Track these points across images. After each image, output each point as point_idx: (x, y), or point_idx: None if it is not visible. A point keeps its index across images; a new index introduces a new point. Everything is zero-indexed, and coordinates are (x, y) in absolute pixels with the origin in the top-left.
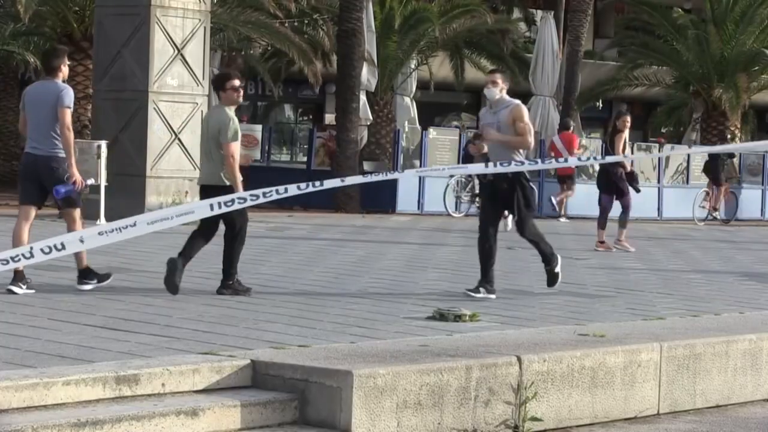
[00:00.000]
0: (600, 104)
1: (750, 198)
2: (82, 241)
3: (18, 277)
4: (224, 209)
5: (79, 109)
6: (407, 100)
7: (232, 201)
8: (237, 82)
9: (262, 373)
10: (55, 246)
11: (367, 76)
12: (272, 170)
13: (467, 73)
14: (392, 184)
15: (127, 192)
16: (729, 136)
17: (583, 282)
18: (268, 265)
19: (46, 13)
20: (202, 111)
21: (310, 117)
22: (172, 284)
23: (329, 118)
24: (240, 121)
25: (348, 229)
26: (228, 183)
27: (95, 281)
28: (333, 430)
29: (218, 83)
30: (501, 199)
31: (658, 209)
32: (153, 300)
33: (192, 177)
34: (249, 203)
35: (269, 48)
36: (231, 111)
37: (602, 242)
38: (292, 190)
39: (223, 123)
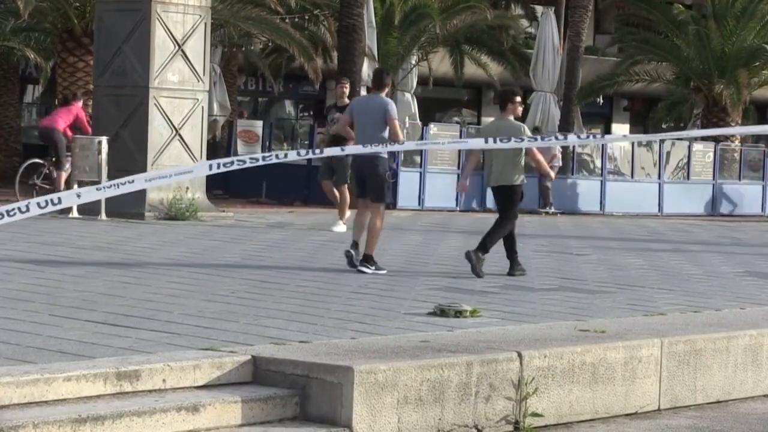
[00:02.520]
0: (601, 100)
1: (751, 194)
2: (78, 196)
3: (367, 258)
4: (222, 169)
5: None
6: (408, 95)
7: (232, 162)
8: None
9: (263, 369)
10: (51, 200)
11: (368, 72)
12: (272, 166)
13: (467, 69)
14: (393, 181)
15: None
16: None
17: (584, 278)
18: (268, 261)
19: (46, 9)
20: (202, 107)
21: (311, 113)
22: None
23: None
24: (240, 116)
25: (349, 225)
26: (517, 183)
27: (373, 268)
28: (334, 426)
29: (504, 98)
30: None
31: (659, 205)
32: (154, 296)
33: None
34: (248, 164)
35: (270, 44)
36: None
37: None
38: (292, 155)
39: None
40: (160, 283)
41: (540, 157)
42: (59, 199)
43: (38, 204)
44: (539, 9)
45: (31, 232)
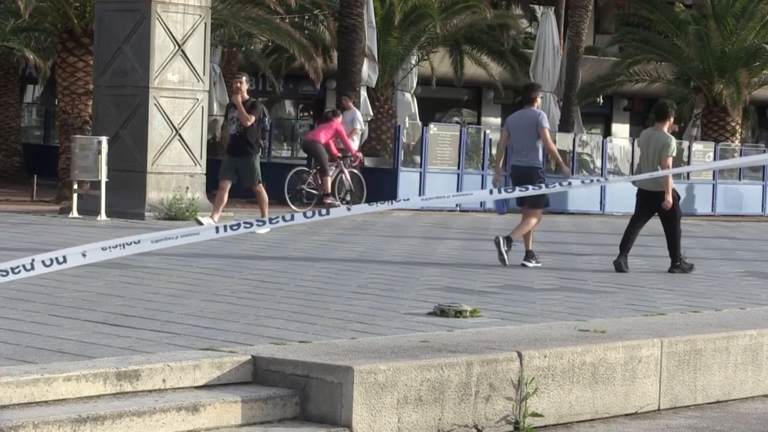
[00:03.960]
0: (600, 100)
1: (751, 194)
2: (84, 255)
3: (530, 254)
4: (229, 232)
5: (80, 105)
6: (408, 95)
7: (239, 225)
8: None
9: (263, 369)
10: (56, 259)
11: (368, 71)
12: (273, 166)
13: (467, 68)
14: (393, 180)
15: (128, 187)
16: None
17: (584, 278)
18: (268, 261)
19: (46, 9)
20: (202, 107)
21: (311, 113)
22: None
23: None
24: None
25: (348, 225)
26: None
27: (534, 262)
28: (334, 425)
29: (663, 112)
30: None
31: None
32: (154, 296)
33: (192, 173)
34: (255, 228)
35: (270, 44)
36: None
37: None
38: (298, 217)
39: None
40: (160, 283)
41: None
42: (64, 258)
43: (43, 262)
44: (539, 9)
45: (31, 232)
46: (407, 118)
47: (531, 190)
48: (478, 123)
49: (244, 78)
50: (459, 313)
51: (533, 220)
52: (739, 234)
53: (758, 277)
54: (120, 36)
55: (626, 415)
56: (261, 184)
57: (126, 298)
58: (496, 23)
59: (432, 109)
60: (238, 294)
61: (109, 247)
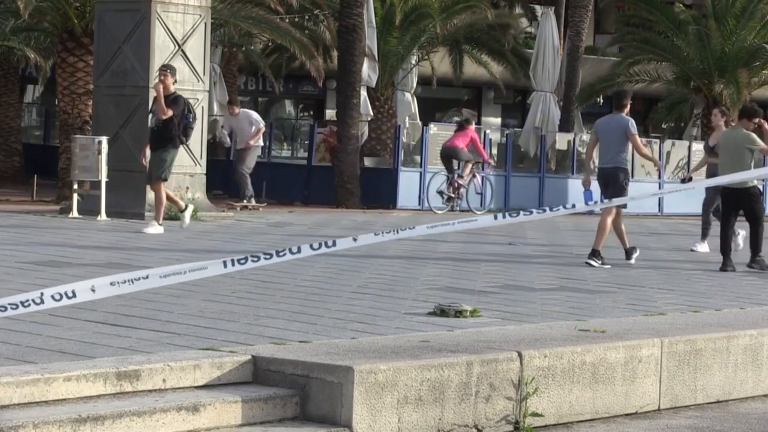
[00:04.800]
0: (600, 100)
1: None
2: (93, 291)
3: (595, 253)
4: (237, 267)
5: (80, 105)
6: (408, 95)
7: (246, 258)
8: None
9: (263, 369)
10: (65, 293)
11: (368, 71)
12: (273, 166)
13: (467, 68)
14: (393, 180)
15: (128, 188)
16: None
17: (584, 278)
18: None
19: (46, 9)
20: (202, 107)
21: (311, 113)
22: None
23: (330, 113)
24: None
25: (349, 225)
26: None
27: (600, 262)
28: (334, 425)
29: (749, 113)
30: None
31: (659, 205)
32: (154, 296)
33: (192, 173)
34: (262, 262)
35: (270, 44)
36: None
37: None
38: (306, 250)
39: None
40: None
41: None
42: (74, 292)
43: (53, 296)
44: (539, 9)
45: (31, 232)
46: (407, 118)
47: (535, 214)
48: (478, 123)
49: (169, 71)
50: (459, 313)
51: (608, 219)
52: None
53: (758, 277)
54: (120, 36)
55: (626, 415)
56: (162, 182)
57: (126, 298)
58: (497, 23)
59: (432, 109)
60: (238, 294)
61: (118, 282)
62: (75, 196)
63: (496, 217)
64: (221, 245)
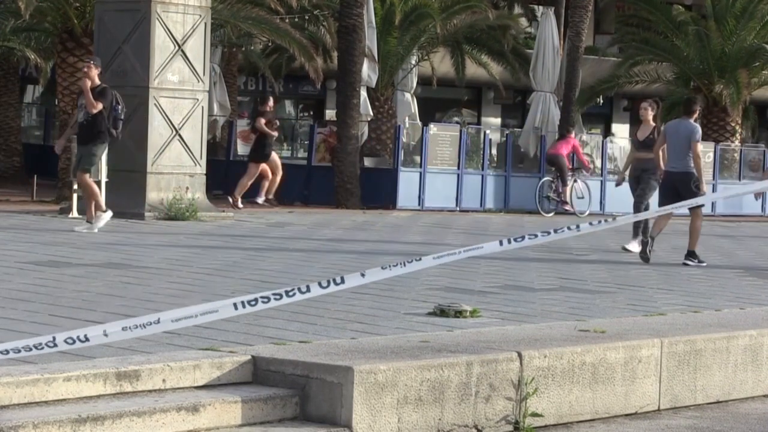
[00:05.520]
0: (601, 100)
1: (751, 194)
2: (106, 335)
3: (691, 254)
4: (248, 309)
5: None
6: (408, 95)
7: (256, 300)
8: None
9: (263, 369)
10: (78, 338)
11: (368, 72)
12: None
13: (467, 68)
14: (393, 180)
15: (128, 188)
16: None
17: (584, 278)
18: (268, 261)
19: (46, 9)
20: (202, 107)
21: (311, 113)
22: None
23: (330, 113)
24: (240, 117)
25: (349, 225)
26: None
27: (696, 261)
28: (334, 426)
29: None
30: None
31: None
32: (154, 296)
33: (192, 173)
34: (272, 303)
35: (270, 44)
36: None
37: None
38: (315, 289)
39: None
40: (160, 283)
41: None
42: (86, 336)
43: (65, 341)
44: (539, 9)
45: (31, 232)
46: (407, 118)
47: (540, 238)
48: (478, 123)
49: (92, 62)
50: (459, 313)
51: (698, 222)
52: (739, 234)
53: (758, 277)
54: (120, 36)
55: (626, 415)
56: (87, 175)
57: (126, 298)
58: (496, 23)
59: (432, 109)
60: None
61: (129, 327)
62: (75, 196)
63: (501, 243)
64: (221, 245)
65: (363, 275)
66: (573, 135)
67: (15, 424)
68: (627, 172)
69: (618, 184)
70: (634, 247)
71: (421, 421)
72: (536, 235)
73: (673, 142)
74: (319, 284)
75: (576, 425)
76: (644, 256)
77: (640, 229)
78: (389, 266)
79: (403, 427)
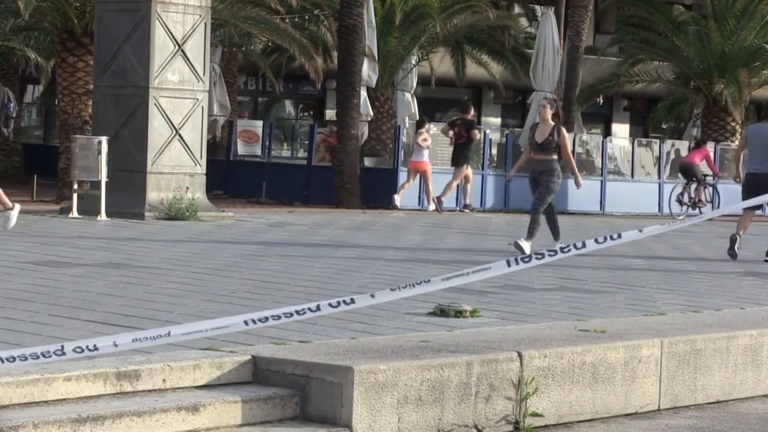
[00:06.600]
0: (601, 100)
1: None
2: (116, 345)
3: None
4: (259, 325)
5: (80, 105)
6: (408, 95)
7: (267, 318)
8: None
9: (263, 369)
10: (87, 347)
11: (368, 71)
12: (273, 166)
13: (467, 68)
14: (393, 180)
15: (128, 187)
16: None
17: (584, 278)
18: (268, 261)
19: (46, 9)
20: (202, 107)
21: (311, 113)
22: None
23: (330, 113)
24: (240, 117)
25: (348, 225)
26: None
27: None
28: (334, 425)
29: None
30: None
31: (659, 204)
32: (154, 296)
33: (192, 173)
34: (283, 320)
35: (270, 44)
36: None
37: None
38: (325, 308)
39: None
40: (160, 283)
41: None
42: (95, 346)
43: (74, 350)
44: (539, 9)
45: (31, 232)
46: (407, 118)
47: (546, 257)
48: (479, 123)
49: None
50: (459, 313)
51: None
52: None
53: (758, 277)
54: (120, 36)
55: (626, 415)
56: None
57: (126, 298)
58: (497, 23)
59: (432, 109)
60: (238, 294)
61: (140, 339)
62: (75, 196)
63: (509, 264)
64: (221, 245)
65: (373, 296)
66: (708, 144)
67: (15, 424)
68: (521, 172)
69: (508, 181)
70: (527, 248)
71: (421, 421)
72: (542, 255)
73: (754, 144)
74: (330, 304)
75: (576, 425)
76: (732, 252)
77: (536, 230)
78: (398, 288)
79: (403, 427)
